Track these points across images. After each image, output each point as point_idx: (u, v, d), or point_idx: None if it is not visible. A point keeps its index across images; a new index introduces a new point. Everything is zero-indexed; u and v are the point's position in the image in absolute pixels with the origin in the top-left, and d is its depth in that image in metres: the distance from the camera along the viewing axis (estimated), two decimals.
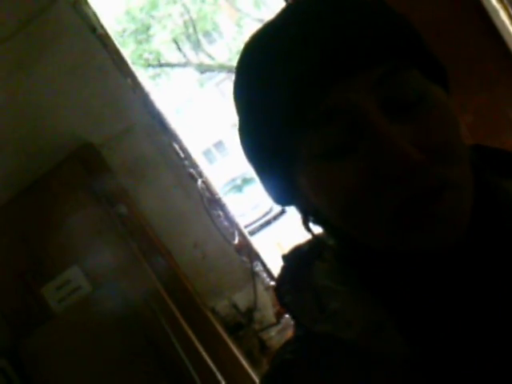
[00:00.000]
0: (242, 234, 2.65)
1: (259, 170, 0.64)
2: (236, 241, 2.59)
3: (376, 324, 0.58)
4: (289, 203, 0.66)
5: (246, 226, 3.08)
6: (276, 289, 0.67)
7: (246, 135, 0.63)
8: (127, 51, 2.64)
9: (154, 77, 12.92)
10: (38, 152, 2.41)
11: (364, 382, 0.56)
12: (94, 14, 2.55)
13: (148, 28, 12.62)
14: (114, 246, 2.27)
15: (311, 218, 0.65)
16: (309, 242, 0.68)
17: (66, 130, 2.43)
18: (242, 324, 2.55)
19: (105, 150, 2.43)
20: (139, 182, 2.48)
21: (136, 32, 12.28)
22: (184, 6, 13.04)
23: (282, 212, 12.52)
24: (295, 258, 0.68)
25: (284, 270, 0.68)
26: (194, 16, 13.41)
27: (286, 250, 0.72)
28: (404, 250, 0.56)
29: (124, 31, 11.89)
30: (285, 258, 0.69)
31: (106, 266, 2.26)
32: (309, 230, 0.65)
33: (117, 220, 2.30)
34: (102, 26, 2.56)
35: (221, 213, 2.61)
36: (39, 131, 2.44)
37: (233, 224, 2.62)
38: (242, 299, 2.55)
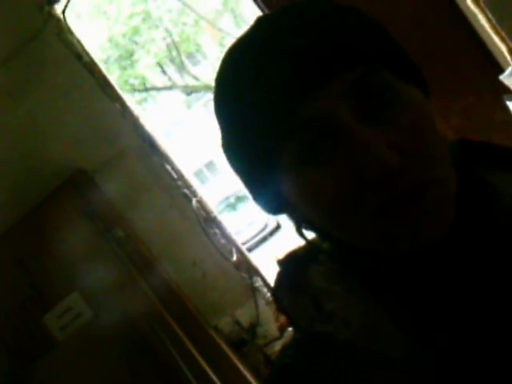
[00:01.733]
0: (239, 251, 2.66)
1: (246, 182, 0.65)
2: (234, 258, 2.60)
3: (374, 323, 0.58)
4: (279, 212, 0.67)
5: (243, 244, 3.08)
6: (273, 294, 0.67)
7: (228, 150, 0.64)
8: (113, 77, 2.67)
9: (140, 101, 12.96)
10: (32, 181, 2.42)
11: (364, 382, 0.56)
12: (79, 42, 2.58)
13: (132, 54, 12.69)
14: (113, 270, 2.27)
15: (303, 225, 0.65)
16: (303, 247, 0.69)
17: (58, 158, 2.44)
18: (246, 340, 2.55)
19: (98, 175, 2.44)
20: (134, 205, 2.49)
21: (120, 58, 12.34)
22: (166, 29, 13.13)
23: (278, 227, 12.53)
24: (291, 263, 0.68)
25: (280, 274, 0.68)
26: (177, 39, 13.50)
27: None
28: (391, 249, 0.56)
29: (108, 58, 11.94)
30: (280, 262, 0.70)
31: (105, 290, 2.26)
32: (303, 236, 0.66)
33: (114, 244, 2.30)
34: (87, 54, 2.58)
35: (217, 231, 2.61)
36: (31, 160, 2.45)
37: (230, 241, 2.63)
38: (244, 315, 2.55)
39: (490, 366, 0.55)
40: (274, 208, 0.66)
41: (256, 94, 0.56)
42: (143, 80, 13.00)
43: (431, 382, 0.55)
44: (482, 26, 2.36)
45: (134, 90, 12.54)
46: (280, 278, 0.68)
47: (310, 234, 0.67)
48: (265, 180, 0.62)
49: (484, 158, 0.67)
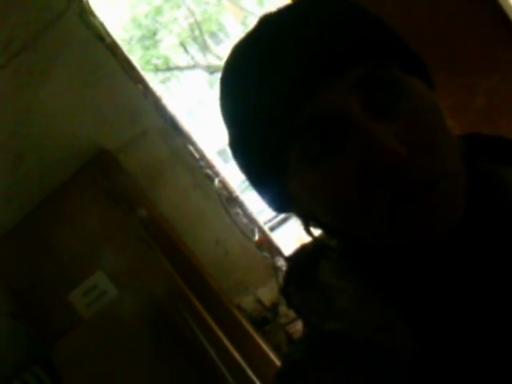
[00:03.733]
0: (261, 231, 2.67)
1: (254, 181, 0.65)
2: (256, 237, 2.61)
3: (385, 320, 0.58)
4: (287, 210, 0.67)
5: (265, 223, 3.09)
6: (283, 290, 0.68)
7: (236, 149, 0.64)
8: (135, 58, 2.69)
9: (163, 81, 12.98)
10: (56, 162, 2.45)
11: (375, 379, 0.56)
12: (101, 24, 2.58)
13: (154, 33, 12.67)
14: (137, 249, 2.30)
15: (311, 222, 0.66)
16: (313, 243, 0.69)
17: (82, 139, 2.47)
18: (268, 319, 2.57)
19: (121, 155, 2.46)
20: (157, 185, 2.51)
21: (143, 38, 12.34)
22: (188, 9, 13.08)
23: None
24: (300, 259, 0.69)
25: (290, 270, 0.69)
26: (199, 18, 13.44)
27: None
28: (402, 244, 0.57)
29: (131, 38, 11.95)
30: (290, 259, 0.70)
31: (130, 269, 2.29)
32: (310, 234, 0.67)
33: (138, 223, 2.32)
34: (109, 35, 2.59)
35: (239, 210, 2.63)
36: (55, 141, 2.48)
37: (252, 221, 2.64)
38: (266, 294, 2.57)
39: (501, 362, 0.55)
40: (280, 205, 0.67)
41: (265, 89, 0.56)
42: (166, 60, 13.00)
43: (442, 378, 0.55)
44: (509, 3, 2.32)
45: (156, 69, 12.56)
46: (289, 274, 0.68)
47: (318, 231, 0.68)
48: (271, 177, 0.62)
49: (494, 153, 0.66)
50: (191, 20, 13.24)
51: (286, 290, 0.67)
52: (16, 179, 2.48)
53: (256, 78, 0.57)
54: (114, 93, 2.50)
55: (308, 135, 0.55)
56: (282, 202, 0.66)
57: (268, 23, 0.60)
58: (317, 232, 0.68)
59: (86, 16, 2.51)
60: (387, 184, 0.53)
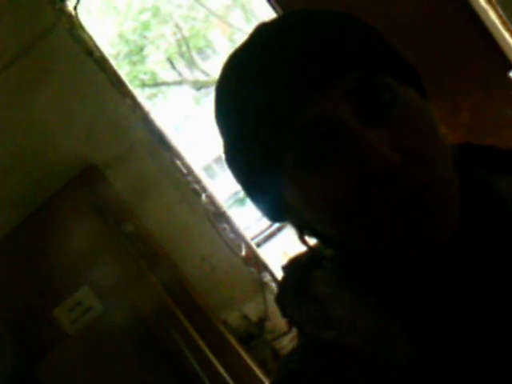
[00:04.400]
0: (248, 246, 2.67)
1: (248, 190, 0.65)
2: (243, 252, 2.61)
3: (380, 328, 0.58)
4: (282, 219, 0.67)
5: (252, 238, 3.10)
6: (277, 299, 0.67)
7: (231, 157, 0.64)
8: (123, 73, 2.69)
9: (150, 97, 12.98)
10: (43, 176, 2.44)
11: None
12: (90, 38, 2.59)
13: (141, 49, 12.70)
14: (123, 264, 2.30)
15: (306, 231, 0.65)
16: (307, 252, 0.69)
17: (69, 153, 2.46)
18: (254, 334, 2.57)
19: (108, 170, 2.46)
20: (144, 200, 2.51)
21: (130, 53, 12.36)
22: (176, 25, 13.13)
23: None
24: (295, 268, 0.68)
25: (284, 280, 0.68)
26: (187, 34, 13.50)
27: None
28: (396, 252, 0.56)
29: (118, 54, 11.97)
30: (284, 268, 0.69)
31: (115, 284, 2.28)
32: (305, 243, 0.66)
33: (124, 238, 2.32)
34: (98, 49, 2.60)
35: (226, 226, 2.63)
36: (43, 155, 2.47)
37: (239, 236, 2.64)
38: (252, 310, 2.57)
39: (498, 371, 0.55)
40: (275, 214, 0.66)
41: (257, 98, 0.56)
42: (153, 75, 13.02)
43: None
44: (493, 23, 2.36)
45: (143, 85, 12.57)
46: (284, 283, 0.68)
47: (312, 240, 0.67)
48: (266, 185, 0.62)
49: (487, 162, 0.67)
50: (178, 36, 13.29)
51: (280, 299, 0.66)
52: (2, 193, 2.47)
53: (249, 85, 0.57)
54: (102, 107, 2.50)
55: (302, 142, 0.56)
56: (277, 211, 0.65)
57: (263, 32, 0.60)
58: (311, 242, 0.68)
59: (76, 30, 2.52)
60: (381, 191, 0.53)
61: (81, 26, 2.57)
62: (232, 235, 2.61)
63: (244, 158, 0.62)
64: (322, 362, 0.59)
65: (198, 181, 2.60)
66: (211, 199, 2.61)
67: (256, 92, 0.57)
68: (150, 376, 2.25)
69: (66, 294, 2.32)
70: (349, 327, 0.58)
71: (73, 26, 2.54)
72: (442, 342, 0.57)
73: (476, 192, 0.62)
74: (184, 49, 13.43)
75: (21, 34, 2.45)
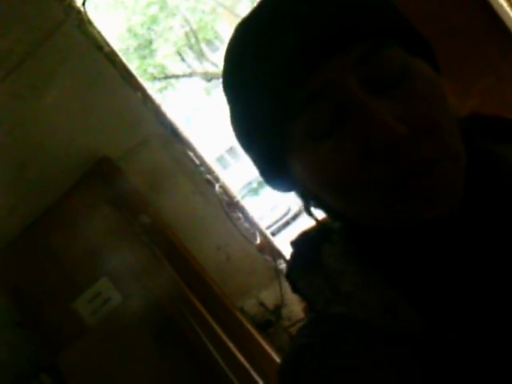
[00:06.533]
0: (263, 234, 2.69)
1: (256, 159, 0.65)
2: (258, 241, 2.63)
3: (389, 302, 0.58)
4: (288, 190, 0.67)
5: (266, 228, 3.11)
6: (287, 275, 0.67)
7: (237, 124, 0.64)
8: (133, 67, 2.70)
9: (160, 90, 13.01)
10: (59, 170, 2.47)
11: (380, 360, 0.56)
12: (99, 33, 2.61)
13: (150, 43, 12.71)
14: (140, 255, 2.32)
15: (312, 203, 0.66)
16: (315, 227, 0.69)
17: (84, 147, 2.49)
18: (272, 321, 2.59)
19: (122, 163, 2.49)
20: (158, 192, 2.53)
21: (139, 48, 12.38)
22: (184, 17, 13.12)
23: (300, 212, 12.53)
24: (304, 244, 0.69)
25: (294, 255, 0.69)
26: (195, 26, 13.48)
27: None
28: (401, 224, 0.56)
29: (127, 48, 11.99)
30: (293, 243, 0.70)
31: (133, 275, 2.31)
32: (311, 214, 0.67)
33: (140, 230, 2.35)
34: (107, 44, 2.62)
35: (240, 215, 2.65)
36: (57, 151, 2.51)
37: (253, 225, 2.66)
38: (269, 297, 2.59)
39: (501, 341, 0.55)
40: (282, 186, 0.67)
41: (266, 64, 0.56)
42: (163, 68, 13.04)
43: (445, 357, 0.55)
44: (502, 6, 2.34)
45: (153, 78, 12.59)
46: (293, 259, 0.68)
47: (321, 214, 0.67)
48: (274, 158, 0.62)
49: (494, 132, 0.66)
50: (187, 28, 13.28)
51: (290, 275, 0.67)
52: (19, 189, 2.51)
53: (257, 53, 0.57)
54: (113, 101, 2.53)
55: (309, 110, 0.55)
56: (284, 181, 0.65)
57: (270, 2, 0.59)
58: (319, 215, 0.68)
59: (85, 26, 2.54)
60: (385, 162, 0.53)
61: (89, 22, 2.59)
62: (246, 224, 2.63)
63: (250, 126, 0.62)
64: (332, 336, 0.60)
65: (210, 171, 2.62)
66: (224, 189, 2.63)
67: (262, 60, 0.56)
68: (169, 364, 2.28)
69: (85, 285, 2.35)
70: (358, 301, 0.59)
71: (81, 21, 2.56)
72: (447, 314, 0.57)
73: (483, 161, 0.62)
74: (193, 41, 13.43)
75: (30, 32, 2.47)
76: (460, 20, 2.40)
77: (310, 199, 0.65)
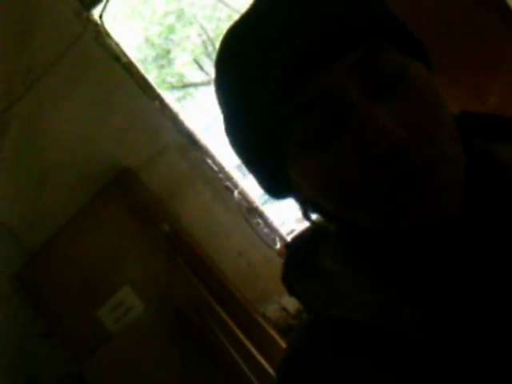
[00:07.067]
0: (283, 239, 2.69)
1: (252, 168, 0.65)
2: (278, 246, 2.64)
3: (387, 303, 0.57)
4: (285, 197, 0.66)
5: (287, 234, 3.10)
6: (283, 278, 0.66)
7: (233, 133, 0.63)
8: (151, 77, 2.73)
9: (179, 99, 13.07)
10: (80, 182, 2.51)
11: (378, 362, 0.55)
12: (117, 45, 2.65)
13: (168, 52, 12.77)
14: (161, 263, 2.34)
15: (310, 208, 0.64)
16: (310, 229, 0.68)
17: (104, 158, 2.52)
18: (293, 326, 2.59)
19: (142, 172, 2.51)
20: (178, 200, 2.55)
21: (157, 57, 12.45)
22: (201, 26, 13.17)
23: None
24: (299, 246, 0.68)
25: (289, 258, 0.67)
26: (212, 34, 13.53)
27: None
28: (402, 228, 0.56)
29: (145, 58, 12.07)
30: (288, 246, 0.69)
31: (155, 283, 2.33)
32: (310, 220, 0.65)
33: (161, 238, 2.36)
34: (125, 55, 2.65)
35: (260, 221, 2.66)
36: (78, 162, 2.54)
37: (273, 230, 2.67)
38: (290, 302, 2.58)
39: (500, 338, 0.55)
40: (279, 193, 0.66)
41: (263, 72, 0.55)
42: (181, 77, 13.09)
43: (444, 358, 0.55)
44: None
45: (172, 87, 12.65)
46: (289, 262, 0.67)
47: (315, 216, 0.66)
48: (271, 166, 0.62)
49: (487, 130, 0.65)
50: (204, 37, 13.34)
51: (286, 279, 0.66)
52: (41, 201, 2.54)
53: (253, 60, 0.56)
54: (132, 111, 2.56)
55: (306, 119, 0.55)
56: (281, 188, 0.65)
57: (262, 7, 0.58)
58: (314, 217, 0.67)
59: (102, 38, 2.58)
60: (386, 168, 0.52)
61: (107, 34, 2.63)
62: (266, 230, 2.64)
63: (247, 134, 0.61)
64: (330, 338, 0.59)
65: (229, 178, 2.63)
66: (244, 195, 2.64)
67: (258, 68, 0.55)
68: (192, 370, 2.29)
69: (107, 294, 2.38)
70: (355, 303, 0.58)
71: (99, 33, 2.60)
72: (446, 315, 0.56)
73: (480, 161, 0.61)
74: (210, 49, 13.48)
75: (49, 46, 2.51)
76: (478, 19, 2.39)
77: (308, 205, 0.64)
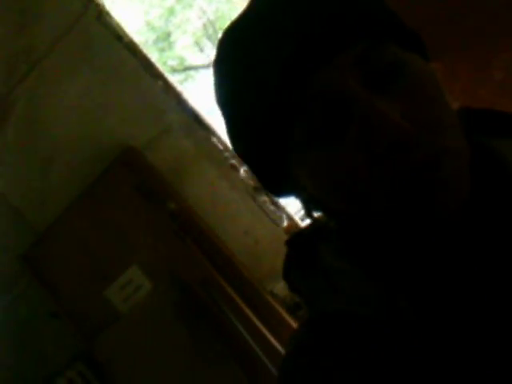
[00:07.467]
0: (289, 217, 2.69)
1: (255, 166, 0.65)
2: (285, 224, 2.63)
3: (388, 299, 0.57)
4: (287, 194, 0.67)
5: (296, 213, 3.10)
6: (284, 275, 0.67)
7: (236, 133, 0.63)
8: (152, 59, 2.71)
9: (180, 82, 13.02)
10: (85, 162, 2.50)
11: (380, 356, 0.55)
12: (118, 24, 2.63)
13: (169, 35, 12.70)
14: (168, 241, 2.34)
15: (312, 205, 0.64)
16: (311, 226, 0.68)
17: (108, 138, 2.51)
18: (301, 304, 2.59)
19: (147, 151, 2.50)
20: (184, 179, 2.54)
21: (158, 40, 12.39)
22: (200, 8, 13.09)
23: None
24: (300, 243, 0.68)
25: (290, 255, 0.68)
26: (212, 17, 13.45)
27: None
28: (408, 221, 0.55)
29: (146, 41, 12.02)
30: (289, 243, 0.69)
31: (163, 261, 2.33)
32: (312, 217, 0.66)
33: (168, 216, 2.36)
34: (127, 35, 2.63)
35: (266, 198, 2.65)
36: (82, 142, 2.53)
37: (279, 208, 2.67)
38: None
39: (502, 338, 0.54)
40: (281, 191, 0.66)
41: (265, 68, 0.55)
42: (182, 60, 13.04)
43: (443, 354, 0.55)
44: None
45: (173, 70, 12.60)
46: (290, 258, 0.68)
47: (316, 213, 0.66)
48: (273, 164, 0.61)
49: (487, 125, 0.65)
50: (204, 19, 13.26)
51: (287, 275, 0.67)
52: (47, 182, 2.54)
53: (255, 57, 0.55)
54: (135, 90, 2.54)
55: (310, 114, 0.54)
56: (282, 185, 0.64)
57: (261, 5, 0.58)
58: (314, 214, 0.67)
59: (104, 18, 2.56)
60: (391, 161, 0.51)
61: (108, 13, 2.61)
62: (272, 207, 2.64)
63: (250, 132, 0.60)
64: (331, 333, 0.59)
65: (235, 156, 2.62)
66: (249, 173, 2.64)
67: (260, 65, 0.55)
68: (201, 348, 2.30)
69: (115, 274, 2.38)
70: (358, 299, 0.58)
71: (100, 13, 2.58)
72: (447, 311, 0.56)
73: (482, 156, 0.61)
74: (211, 31, 13.42)
75: (51, 26, 2.49)
76: None
77: (310, 202, 0.64)
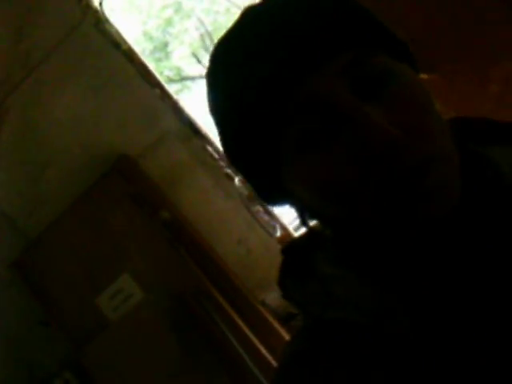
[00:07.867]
0: (283, 227, 2.69)
1: (248, 176, 0.65)
2: (278, 234, 2.63)
3: (384, 306, 0.57)
4: (282, 202, 0.67)
5: (290, 223, 3.09)
6: (279, 283, 0.67)
7: (228, 143, 0.63)
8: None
9: (177, 92, 13.05)
10: (79, 169, 2.49)
11: (377, 364, 0.55)
12: (117, 32, 2.63)
13: (166, 45, 12.75)
14: (161, 251, 2.33)
15: (306, 213, 0.65)
16: (306, 234, 0.68)
17: (103, 145, 2.51)
18: (293, 314, 2.58)
19: (142, 159, 2.50)
20: (178, 187, 2.54)
21: (155, 50, 12.43)
22: (198, 19, 13.15)
23: None
24: (295, 251, 0.68)
25: (285, 263, 0.68)
26: (210, 28, 13.51)
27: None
28: (400, 226, 0.55)
29: (143, 51, 12.05)
30: (284, 251, 0.69)
31: (155, 270, 2.32)
32: (307, 225, 0.66)
33: (161, 225, 2.35)
34: (125, 42, 2.63)
35: (260, 208, 2.65)
36: (77, 149, 2.52)
37: (273, 218, 2.66)
38: None
39: (497, 344, 0.54)
40: (275, 198, 0.66)
41: (253, 78, 0.55)
42: (178, 71, 13.08)
43: (442, 361, 0.54)
44: None
45: (170, 80, 12.63)
46: (285, 267, 0.68)
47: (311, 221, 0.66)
48: (266, 174, 0.61)
49: (481, 134, 0.66)
50: (202, 30, 13.31)
51: (282, 282, 0.66)
52: (40, 188, 2.53)
53: (243, 67, 0.56)
54: (131, 98, 2.54)
55: (297, 123, 0.55)
56: (277, 194, 0.65)
57: (253, 13, 0.59)
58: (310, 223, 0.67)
59: (102, 25, 2.56)
60: (381, 166, 0.52)
61: (107, 21, 2.61)
62: (266, 217, 2.63)
63: (242, 142, 0.61)
64: (327, 341, 0.59)
65: (230, 165, 2.62)
66: (244, 182, 2.63)
67: (249, 74, 0.56)
68: (191, 358, 2.28)
69: (106, 282, 2.37)
70: (355, 307, 0.58)
71: (99, 20, 2.58)
72: (445, 317, 0.56)
73: (474, 164, 0.61)
74: (208, 42, 13.46)
75: (49, 32, 2.49)
76: (481, 5, 2.37)
77: (305, 211, 0.64)
